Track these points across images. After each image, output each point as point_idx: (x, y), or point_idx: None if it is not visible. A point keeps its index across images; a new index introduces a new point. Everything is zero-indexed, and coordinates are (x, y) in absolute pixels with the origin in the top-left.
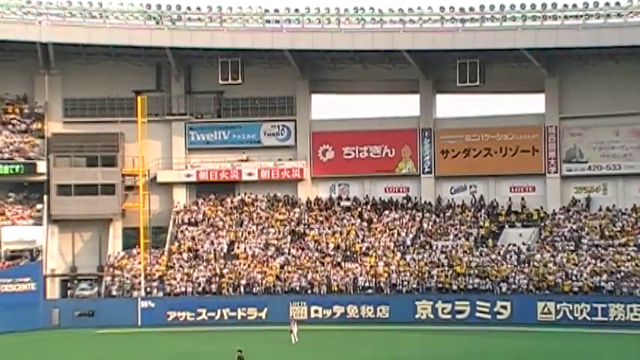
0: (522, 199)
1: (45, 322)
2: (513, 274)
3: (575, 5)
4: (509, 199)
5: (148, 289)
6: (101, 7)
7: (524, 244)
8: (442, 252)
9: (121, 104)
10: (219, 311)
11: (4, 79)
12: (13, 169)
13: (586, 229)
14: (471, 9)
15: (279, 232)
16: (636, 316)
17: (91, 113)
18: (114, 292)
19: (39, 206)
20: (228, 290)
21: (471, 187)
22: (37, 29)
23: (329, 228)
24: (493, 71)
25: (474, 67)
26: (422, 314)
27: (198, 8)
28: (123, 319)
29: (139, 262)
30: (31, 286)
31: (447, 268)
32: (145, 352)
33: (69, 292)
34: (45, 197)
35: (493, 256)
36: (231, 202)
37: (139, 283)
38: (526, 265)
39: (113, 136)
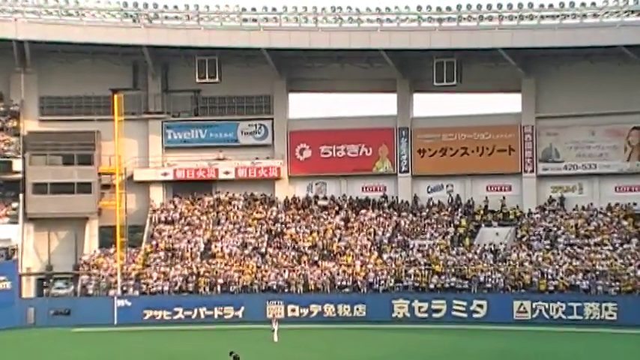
0: (503, 198)
1: (20, 320)
2: (490, 273)
3: (551, 5)
4: (486, 198)
5: (125, 288)
6: (77, 5)
7: (500, 243)
8: (419, 251)
9: (97, 102)
10: (195, 310)
11: None
12: None
13: (562, 228)
14: (448, 8)
15: (256, 231)
16: (611, 315)
17: (68, 111)
18: (90, 291)
19: (14, 204)
20: (205, 289)
21: (447, 186)
22: (13, 27)
23: (306, 227)
24: (470, 71)
25: (451, 66)
26: (399, 313)
27: (176, 6)
28: (99, 317)
29: (115, 261)
30: (6, 284)
31: (423, 267)
32: (121, 351)
33: (45, 290)
34: (20, 195)
35: (470, 255)
36: (208, 201)
37: (116, 282)
38: (502, 263)
39: (89, 134)
